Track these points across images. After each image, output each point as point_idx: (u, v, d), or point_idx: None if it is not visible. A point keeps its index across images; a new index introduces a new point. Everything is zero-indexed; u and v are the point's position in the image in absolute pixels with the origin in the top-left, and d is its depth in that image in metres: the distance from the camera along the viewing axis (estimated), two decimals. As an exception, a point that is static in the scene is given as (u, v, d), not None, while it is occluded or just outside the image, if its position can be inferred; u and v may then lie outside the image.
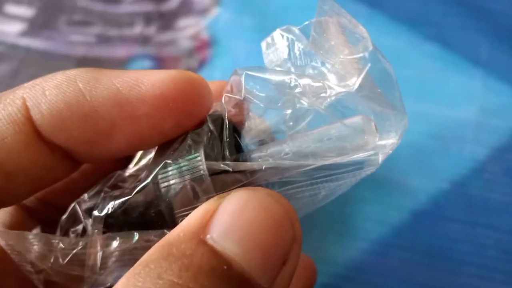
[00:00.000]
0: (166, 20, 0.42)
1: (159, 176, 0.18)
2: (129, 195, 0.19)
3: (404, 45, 0.39)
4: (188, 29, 0.42)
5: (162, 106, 0.19)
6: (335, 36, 0.18)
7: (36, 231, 0.22)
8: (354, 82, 0.17)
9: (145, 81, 0.19)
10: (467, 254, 0.31)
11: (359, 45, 0.17)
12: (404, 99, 0.36)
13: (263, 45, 0.21)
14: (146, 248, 0.17)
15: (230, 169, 0.18)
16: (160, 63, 0.41)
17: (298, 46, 0.19)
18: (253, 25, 0.41)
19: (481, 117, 0.35)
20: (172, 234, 0.16)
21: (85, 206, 0.20)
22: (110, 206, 0.19)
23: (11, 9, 0.44)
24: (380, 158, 0.17)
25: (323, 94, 0.18)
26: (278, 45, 0.20)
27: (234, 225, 0.16)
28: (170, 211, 0.18)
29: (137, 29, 0.42)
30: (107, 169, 0.23)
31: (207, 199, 0.17)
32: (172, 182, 0.18)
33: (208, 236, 0.16)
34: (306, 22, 0.19)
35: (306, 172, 0.18)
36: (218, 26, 0.41)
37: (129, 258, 0.18)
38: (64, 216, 0.21)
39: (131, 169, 0.22)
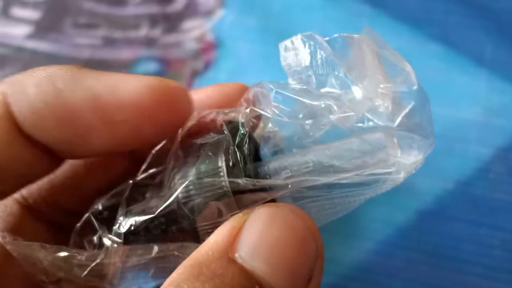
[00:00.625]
0: (171, 22, 0.42)
1: (181, 195, 0.18)
2: (152, 214, 0.19)
3: (408, 45, 0.39)
4: (193, 31, 0.42)
5: (139, 113, 0.19)
6: (368, 57, 0.18)
7: (42, 233, 0.22)
8: (394, 117, 0.17)
9: (123, 87, 0.19)
10: (472, 254, 0.31)
11: (400, 78, 0.17)
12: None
13: (281, 47, 0.21)
14: (164, 258, 0.17)
15: (254, 187, 0.17)
16: (165, 65, 0.41)
17: (321, 55, 0.19)
18: (257, 26, 0.41)
19: (485, 117, 0.35)
20: (201, 252, 0.16)
21: (100, 215, 0.20)
22: (132, 223, 0.19)
23: (17, 12, 0.44)
24: (403, 175, 0.17)
25: (359, 124, 0.18)
26: (299, 50, 0.20)
27: (261, 244, 0.16)
28: (193, 227, 0.18)
29: (143, 31, 0.42)
30: (112, 170, 0.23)
31: (231, 216, 0.17)
32: (196, 201, 0.18)
33: (237, 254, 0.16)
34: (335, 35, 0.19)
35: (326, 185, 0.18)
36: (223, 28, 0.41)
37: (148, 269, 0.19)
38: (78, 225, 0.21)
39: (143, 174, 0.22)
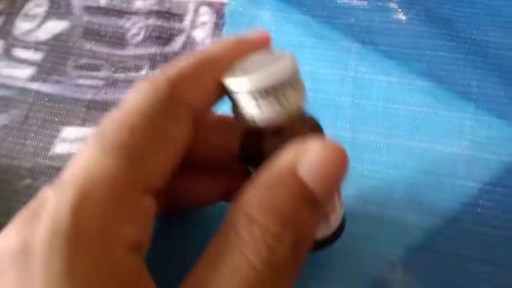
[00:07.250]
0: (170, 62, 0.43)
1: None
2: None
3: (396, 80, 0.39)
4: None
5: None
6: None
7: None
8: None
9: None
10: None
11: None
12: (397, 135, 0.37)
13: None
14: None
15: None
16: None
17: None
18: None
19: (472, 151, 0.36)
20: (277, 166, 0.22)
21: None
22: None
23: (20, 53, 0.45)
24: None
25: None
26: None
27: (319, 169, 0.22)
28: None
29: (143, 71, 0.43)
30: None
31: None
32: None
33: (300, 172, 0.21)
34: None
35: None
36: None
37: None
38: None
39: None
